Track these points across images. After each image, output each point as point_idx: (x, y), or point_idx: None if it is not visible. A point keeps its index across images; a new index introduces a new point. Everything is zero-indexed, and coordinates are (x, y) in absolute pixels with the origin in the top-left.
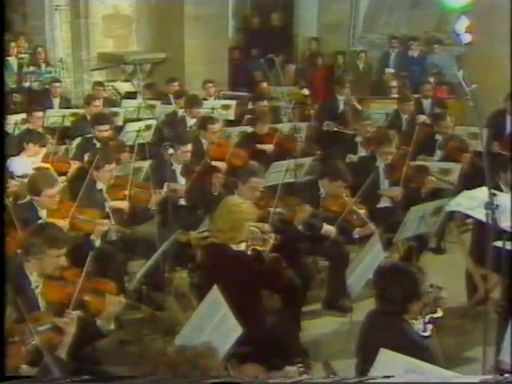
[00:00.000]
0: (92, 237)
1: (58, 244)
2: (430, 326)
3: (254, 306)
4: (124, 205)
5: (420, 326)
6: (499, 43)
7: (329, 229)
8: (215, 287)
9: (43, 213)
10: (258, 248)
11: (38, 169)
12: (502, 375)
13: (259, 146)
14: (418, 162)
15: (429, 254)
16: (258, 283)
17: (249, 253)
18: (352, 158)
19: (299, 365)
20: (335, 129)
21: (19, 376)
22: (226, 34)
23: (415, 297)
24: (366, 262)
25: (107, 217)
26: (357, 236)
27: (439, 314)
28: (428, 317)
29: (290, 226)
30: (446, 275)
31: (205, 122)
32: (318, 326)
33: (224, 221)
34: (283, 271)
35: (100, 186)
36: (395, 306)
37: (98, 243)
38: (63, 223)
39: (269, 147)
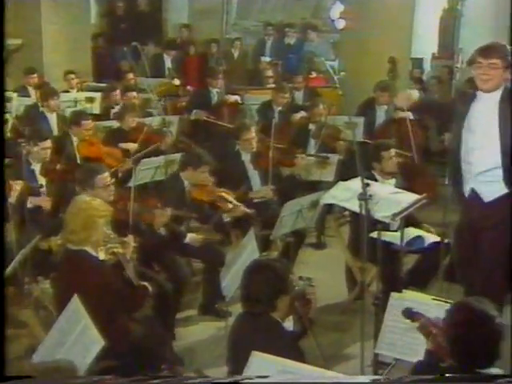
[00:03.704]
0: None
1: None
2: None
3: (118, 315)
4: None
5: (291, 323)
6: (373, 29)
7: (193, 237)
8: (75, 297)
9: None
10: (118, 251)
11: None
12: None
13: (121, 145)
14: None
15: (309, 249)
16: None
17: (108, 257)
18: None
19: None
20: (204, 118)
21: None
22: (87, 19)
23: (281, 292)
24: (241, 262)
25: None
26: (228, 219)
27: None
28: (298, 312)
29: (151, 230)
30: (327, 271)
31: (78, 116)
32: (193, 333)
33: (75, 220)
34: (144, 298)
35: None
36: (262, 305)
37: None
38: None
39: (132, 146)
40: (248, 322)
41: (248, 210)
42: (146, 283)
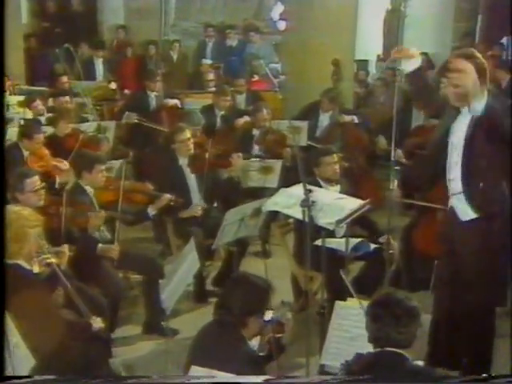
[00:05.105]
0: None
1: None
2: (267, 346)
3: (50, 333)
4: None
5: (256, 343)
6: (315, 31)
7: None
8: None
9: None
10: (52, 261)
11: None
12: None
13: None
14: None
15: (253, 258)
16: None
17: (42, 269)
18: None
19: None
20: (135, 120)
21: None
22: (18, 18)
23: (256, 312)
24: (181, 272)
25: None
26: (154, 213)
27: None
28: (268, 336)
29: (85, 235)
30: (272, 280)
31: (30, 129)
32: (132, 349)
33: (6, 232)
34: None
35: None
36: (233, 317)
37: None
38: None
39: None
40: (215, 333)
41: (170, 196)
42: (93, 319)
